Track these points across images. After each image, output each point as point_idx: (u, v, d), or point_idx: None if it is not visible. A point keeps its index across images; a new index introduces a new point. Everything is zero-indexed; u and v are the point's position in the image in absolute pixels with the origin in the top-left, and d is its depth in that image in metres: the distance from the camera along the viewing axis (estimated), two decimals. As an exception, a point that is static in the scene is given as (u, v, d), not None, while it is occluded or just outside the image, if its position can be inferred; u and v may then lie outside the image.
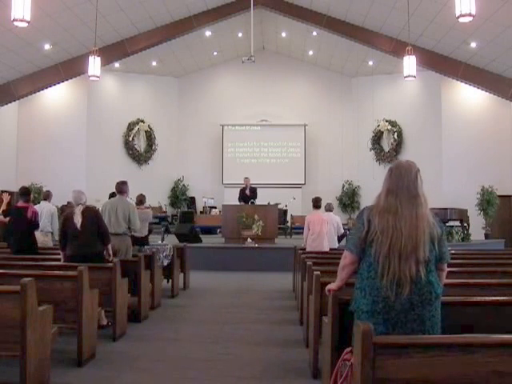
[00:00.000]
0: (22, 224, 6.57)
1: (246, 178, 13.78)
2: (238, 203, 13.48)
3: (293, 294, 8.32)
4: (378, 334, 2.54)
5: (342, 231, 9.12)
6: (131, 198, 12.42)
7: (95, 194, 13.07)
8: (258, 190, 13.81)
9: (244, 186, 13.73)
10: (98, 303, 4.87)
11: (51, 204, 8.95)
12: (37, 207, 8.34)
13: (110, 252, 5.83)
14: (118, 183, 7.01)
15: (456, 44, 13.74)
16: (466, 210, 14.91)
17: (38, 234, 8.04)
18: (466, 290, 3.86)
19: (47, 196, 8.93)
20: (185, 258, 8.94)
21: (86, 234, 5.54)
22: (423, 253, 2.58)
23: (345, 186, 18.80)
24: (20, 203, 6.76)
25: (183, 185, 18.95)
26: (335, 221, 8.84)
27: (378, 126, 18.31)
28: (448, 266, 2.85)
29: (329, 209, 9.02)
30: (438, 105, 17.16)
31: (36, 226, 6.83)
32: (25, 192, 6.79)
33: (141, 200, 8.24)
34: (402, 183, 2.68)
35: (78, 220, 5.56)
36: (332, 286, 3.07)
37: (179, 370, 4.42)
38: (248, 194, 13.45)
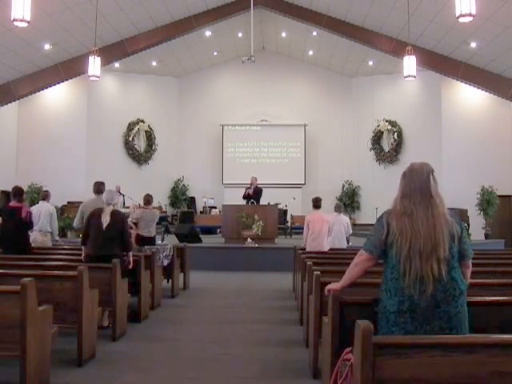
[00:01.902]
0: (14, 224, 6.44)
1: (253, 176, 13.38)
2: (237, 203, 13.38)
3: (293, 293, 8.31)
4: (406, 333, 2.59)
5: (351, 232, 9.16)
6: (131, 197, 12.53)
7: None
8: (259, 191, 13.65)
9: (249, 184, 13.40)
10: (99, 303, 4.87)
11: (50, 204, 8.94)
12: (35, 207, 8.36)
13: (131, 259, 5.81)
14: (96, 183, 6.98)
15: (456, 44, 13.73)
16: (466, 210, 14.90)
17: (37, 234, 8.06)
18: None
19: (45, 196, 8.90)
20: (185, 258, 8.93)
21: (109, 235, 5.53)
22: (443, 251, 2.63)
23: (345, 186, 18.78)
24: (13, 203, 6.60)
25: (183, 185, 18.96)
26: (345, 221, 8.90)
27: (378, 126, 18.31)
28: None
29: (338, 210, 9.03)
30: (438, 105, 17.15)
31: (30, 225, 6.76)
32: (18, 192, 6.61)
33: (148, 200, 8.28)
34: (415, 185, 2.74)
35: (105, 220, 5.56)
36: (334, 286, 3.06)
37: (179, 369, 4.42)
38: (250, 194, 13.22)
